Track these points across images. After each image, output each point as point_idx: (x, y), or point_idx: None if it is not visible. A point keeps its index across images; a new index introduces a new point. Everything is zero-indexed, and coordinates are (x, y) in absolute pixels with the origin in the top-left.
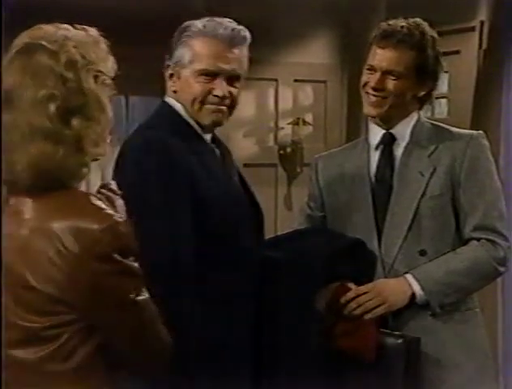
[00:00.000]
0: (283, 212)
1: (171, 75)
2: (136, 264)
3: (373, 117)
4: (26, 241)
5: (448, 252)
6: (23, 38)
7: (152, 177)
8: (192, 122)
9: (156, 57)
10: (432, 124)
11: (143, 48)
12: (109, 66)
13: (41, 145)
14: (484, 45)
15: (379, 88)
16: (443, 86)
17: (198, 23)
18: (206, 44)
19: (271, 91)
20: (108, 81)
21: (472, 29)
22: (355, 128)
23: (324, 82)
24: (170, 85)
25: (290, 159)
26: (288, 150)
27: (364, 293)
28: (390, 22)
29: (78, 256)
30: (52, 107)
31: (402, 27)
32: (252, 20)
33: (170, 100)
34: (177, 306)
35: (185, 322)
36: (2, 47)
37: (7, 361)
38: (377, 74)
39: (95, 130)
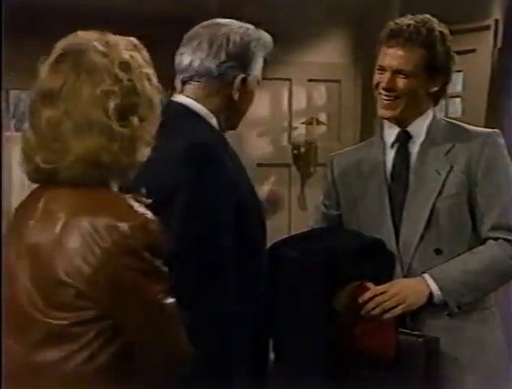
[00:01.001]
0: (297, 212)
1: None
2: (165, 269)
3: (388, 119)
4: (58, 236)
5: (464, 252)
6: (69, 40)
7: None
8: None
9: (167, 56)
10: (447, 122)
11: (155, 48)
12: (153, 71)
13: (97, 138)
14: (499, 44)
15: (390, 88)
16: (457, 85)
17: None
18: None
19: (285, 91)
20: (157, 84)
21: (487, 28)
22: (369, 127)
23: (338, 81)
24: None
25: (304, 159)
26: (302, 150)
27: (382, 293)
28: (398, 20)
29: (107, 250)
30: (111, 103)
31: (408, 25)
32: (265, 20)
33: None
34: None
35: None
36: (2, 47)
37: (28, 366)
38: (388, 74)
39: (148, 130)
